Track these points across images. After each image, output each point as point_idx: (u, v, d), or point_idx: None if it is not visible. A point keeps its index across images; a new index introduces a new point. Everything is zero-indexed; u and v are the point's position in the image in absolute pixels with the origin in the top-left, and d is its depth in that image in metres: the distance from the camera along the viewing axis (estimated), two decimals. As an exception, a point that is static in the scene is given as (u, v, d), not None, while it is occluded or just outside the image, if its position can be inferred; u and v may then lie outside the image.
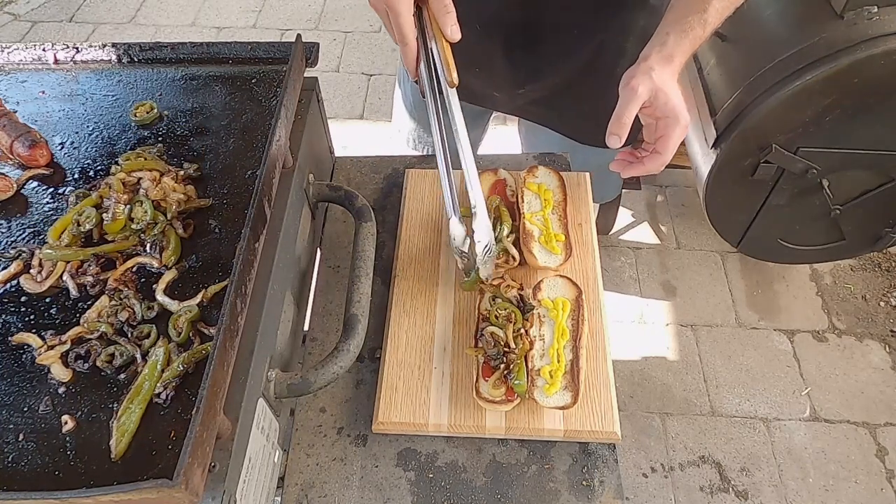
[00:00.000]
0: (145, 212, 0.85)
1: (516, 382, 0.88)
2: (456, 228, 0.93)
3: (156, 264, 0.83)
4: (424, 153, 1.54)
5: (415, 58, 0.94)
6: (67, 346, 0.76)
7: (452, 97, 0.93)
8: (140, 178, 0.89)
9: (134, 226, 0.85)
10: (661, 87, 0.90)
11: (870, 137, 1.55)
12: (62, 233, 0.85)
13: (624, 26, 1.15)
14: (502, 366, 0.89)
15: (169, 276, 0.82)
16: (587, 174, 1.16)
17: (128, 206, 0.86)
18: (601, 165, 1.17)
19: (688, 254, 2.52)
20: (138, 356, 0.74)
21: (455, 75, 0.91)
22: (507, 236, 1.02)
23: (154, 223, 0.85)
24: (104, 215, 0.86)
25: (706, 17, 0.92)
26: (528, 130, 1.45)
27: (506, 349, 0.90)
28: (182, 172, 0.91)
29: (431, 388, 0.92)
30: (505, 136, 2.60)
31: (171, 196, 0.87)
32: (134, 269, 0.83)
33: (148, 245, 0.85)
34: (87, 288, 0.81)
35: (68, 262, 0.83)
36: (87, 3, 3.65)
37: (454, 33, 0.91)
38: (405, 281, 1.04)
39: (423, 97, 0.96)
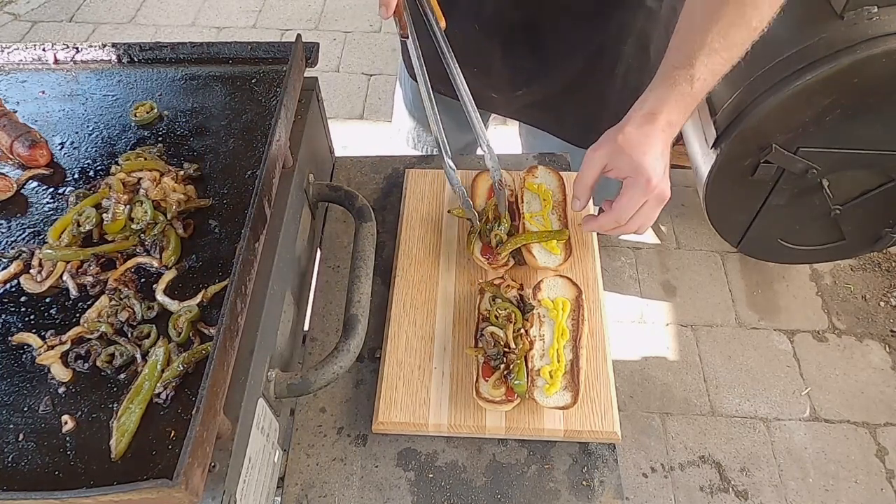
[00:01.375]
0: (145, 212, 0.85)
1: (516, 382, 0.87)
2: (451, 174, 0.99)
3: (156, 264, 0.83)
4: (423, 153, 1.54)
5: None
6: (67, 346, 0.76)
7: (443, 41, 0.98)
8: (140, 179, 0.89)
9: (134, 226, 0.85)
10: (625, 147, 0.85)
11: (870, 137, 1.55)
12: (62, 233, 0.85)
13: (622, 29, 1.14)
14: (502, 366, 0.89)
15: (169, 276, 0.82)
16: (587, 174, 1.16)
17: (128, 207, 0.86)
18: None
19: (688, 254, 2.52)
20: (138, 356, 0.74)
21: (443, 20, 0.97)
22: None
23: (154, 223, 0.85)
24: (104, 215, 0.86)
25: (693, 73, 0.86)
26: (529, 132, 1.45)
27: (506, 349, 0.90)
28: (182, 172, 0.91)
29: (431, 388, 0.92)
30: (505, 135, 2.60)
31: (171, 196, 0.87)
32: (134, 269, 0.83)
33: (148, 245, 0.85)
34: (88, 288, 0.81)
35: (68, 262, 0.83)
36: (87, 3, 3.65)
37: None
38: (405, 281, 1.04)
39: (405, 38, 1.00)
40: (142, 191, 0.88)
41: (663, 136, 0.86)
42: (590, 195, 0.92)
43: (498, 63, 1.22)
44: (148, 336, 0.76)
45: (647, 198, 0.86)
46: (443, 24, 0.98)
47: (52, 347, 0.75)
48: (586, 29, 1.14)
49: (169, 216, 0.86)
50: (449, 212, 1.11)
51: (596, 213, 0.99)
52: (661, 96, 0.87)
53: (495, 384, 0.88)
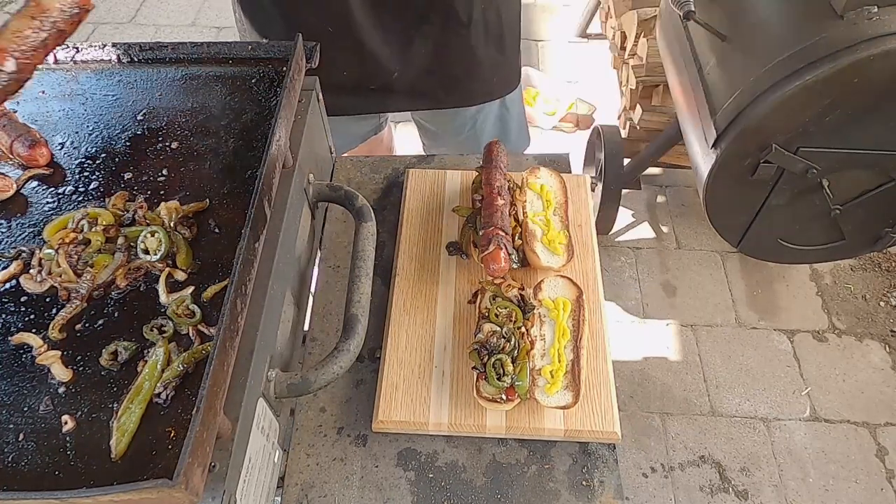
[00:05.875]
0: (160, 241, 0.84)
1: (518, 383, 0.88)
2: None
3: (181, 277, 0.82)
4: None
5: None
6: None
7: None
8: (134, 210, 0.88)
9: (152, 257, 0.84)
10: None
11: (870, 137, 1.54)
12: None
13: None
14: (493, 359, 0.89)
15: (177, 275, 0.82)
16: (587, 176, 1.17)
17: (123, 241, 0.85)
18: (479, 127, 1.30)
19: (688, 254, 2.52)
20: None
21: None
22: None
23: (169, 247, 0.84)
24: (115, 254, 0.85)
25: None
26: (424, 130, 1.53)
27: (503, 338, 0.90)
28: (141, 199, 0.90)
29: (432, 387, 0.92)
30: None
31: (163, 212, 0.87)
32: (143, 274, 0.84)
33: (159, 263, 0.84)
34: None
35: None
36: (87, 3, 3.65)
37: None
38: (405, 281, 1.04)
39: None
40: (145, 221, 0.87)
41: None
42: None
43: (365, 53, 1.25)
44: (162, 330, 0.77)
45: None
46: None
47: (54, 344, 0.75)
48: None
49: (171, 223, 0.86)
50: (453, 210, 1.11)
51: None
52: None
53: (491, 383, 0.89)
